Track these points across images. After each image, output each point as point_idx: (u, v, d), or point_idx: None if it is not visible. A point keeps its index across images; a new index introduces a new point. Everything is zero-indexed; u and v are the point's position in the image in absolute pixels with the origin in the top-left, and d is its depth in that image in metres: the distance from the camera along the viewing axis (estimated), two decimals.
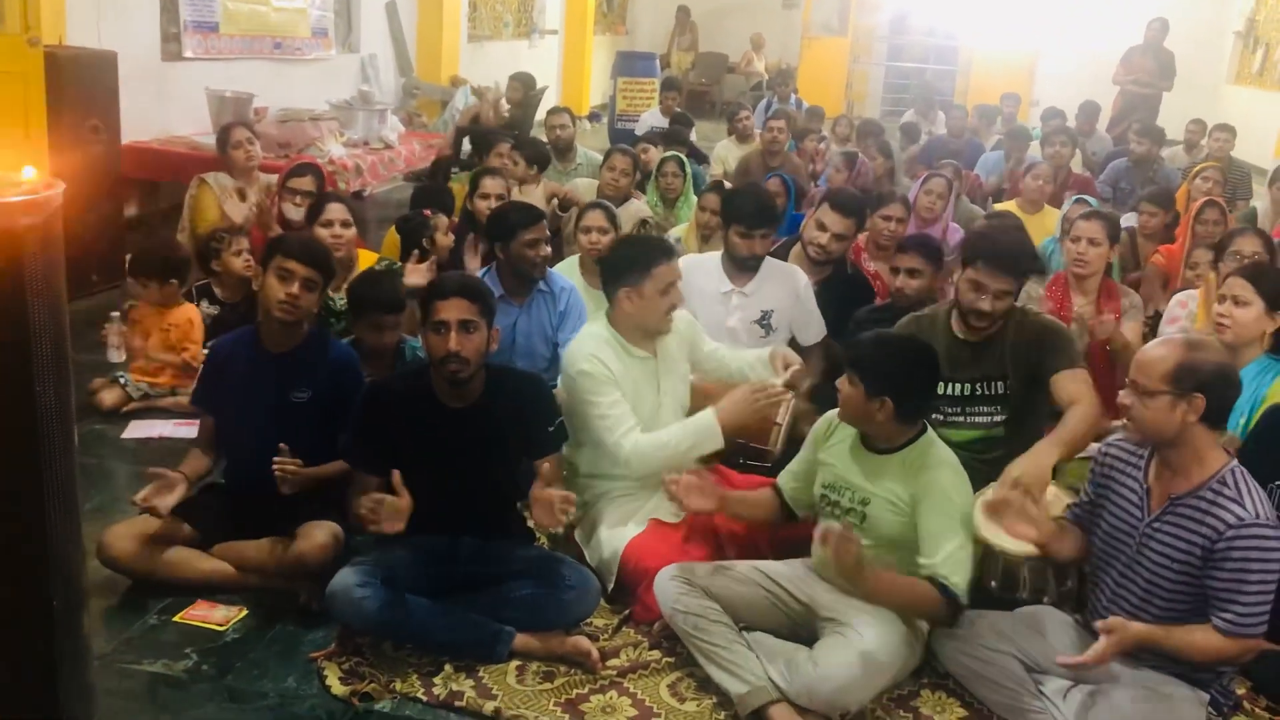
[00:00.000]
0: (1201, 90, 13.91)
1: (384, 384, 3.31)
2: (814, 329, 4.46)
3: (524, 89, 9.73)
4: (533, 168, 6.53)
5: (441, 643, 2.98)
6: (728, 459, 3.86)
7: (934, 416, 3.67)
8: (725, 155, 9.14)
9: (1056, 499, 3.25)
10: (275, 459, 3.12)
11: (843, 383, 2.99)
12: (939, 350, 3.60)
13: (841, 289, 4.68)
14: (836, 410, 3.08)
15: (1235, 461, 2.71)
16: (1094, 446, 3.25)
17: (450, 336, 2.98)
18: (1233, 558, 2.59)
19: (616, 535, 3.37)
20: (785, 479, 3.30)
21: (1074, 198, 5.93)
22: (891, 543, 2.98)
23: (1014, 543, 3.06)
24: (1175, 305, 4.60)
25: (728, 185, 5.88)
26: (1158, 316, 4.84)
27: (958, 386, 3.64)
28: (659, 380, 3.53)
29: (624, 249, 3.67)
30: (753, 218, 4.25)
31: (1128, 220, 6.87)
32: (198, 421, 3.67)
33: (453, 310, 3.00)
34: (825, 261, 4.72)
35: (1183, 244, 5.72)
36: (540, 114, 9.68)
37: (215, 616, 3.13)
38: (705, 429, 3.34)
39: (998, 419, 3.64)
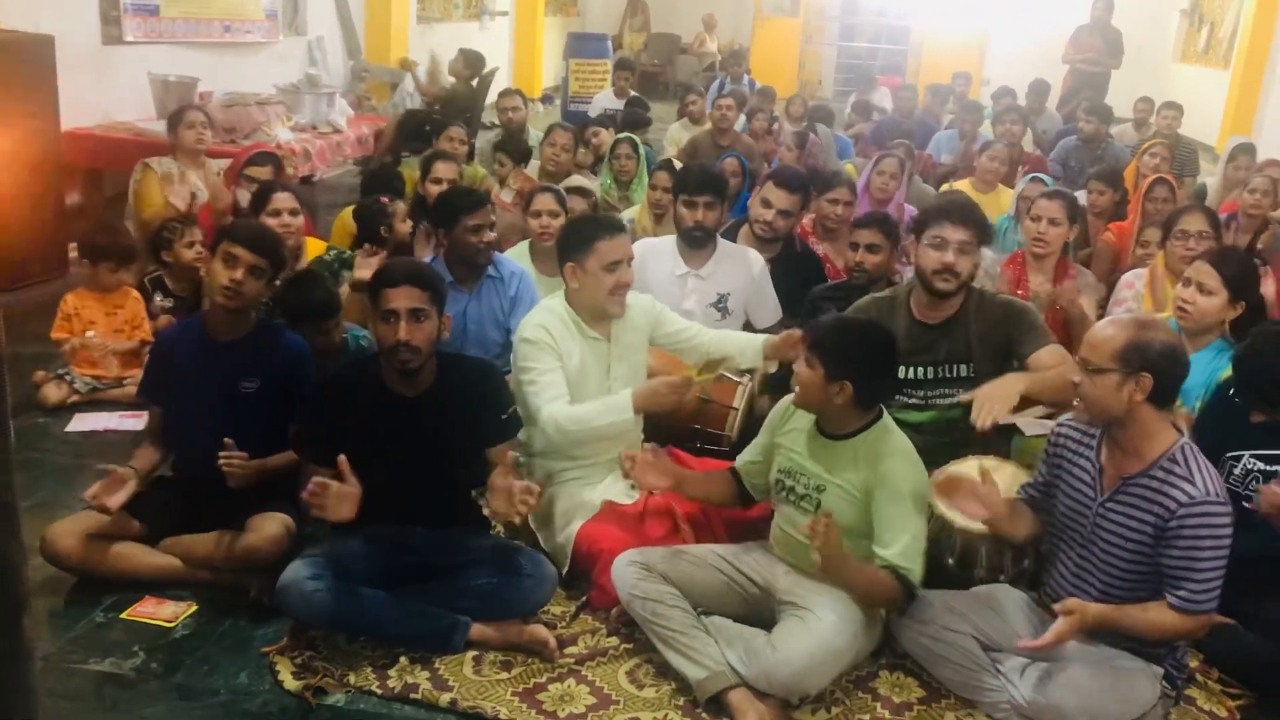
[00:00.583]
0: (1149, 68, 14.07)
1: (335, 374, 3.26)
2: (769, 311, 4.46)
3: (471, 67, 9.59)
4: (520, 165, 6.47)
5: (397, 635, 2.94)
6: (684, 443, 3.85)
7: (895, 397, 3.69)
8: (678, 137, 9.12)
9: (1014, 478, 3.26)
10: (221, 454, 3.06)
11: (801, 366, 2.97)
12: (899, 333, 3.60)
13: (791, 267, 4.67)
14: (793, 395, 3.07)
15: (1185, 439, 2.73)
16: (1048, 424, 3.27)
17: (400, 325, 2.93)
18: (1184, 536, 2.60)
19: (569, 519, 3.35)
20: (743, 462, 3.29)
21: (1029, 176, 5.96)
22: (846, 529, 2.96)
23: (972, 521, 3.07)
24: (1122, 286, 4.63)
25: (678, 165, 5.84)
26: (1109, 298, 4.87)
27: (920, 370, 3.64)
28: (610, 363, 3.50)
29: (571, 225, 3.64)
30: (695, 185, 4.27)
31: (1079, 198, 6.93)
32: (144, 414, 3.59)
33: (402, 298, 2.95)
34: (773, 239, 4.70)
35: (1133, 221, 5.76)
36: (492, 96, 9.58)
37: (164, 613, 3.07)
38: (620, 408, 3.30)
39: (959, 405, 3.65)
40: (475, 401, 3.11)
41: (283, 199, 4.48)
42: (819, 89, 17.66)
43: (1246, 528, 3.01)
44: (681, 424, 3.90)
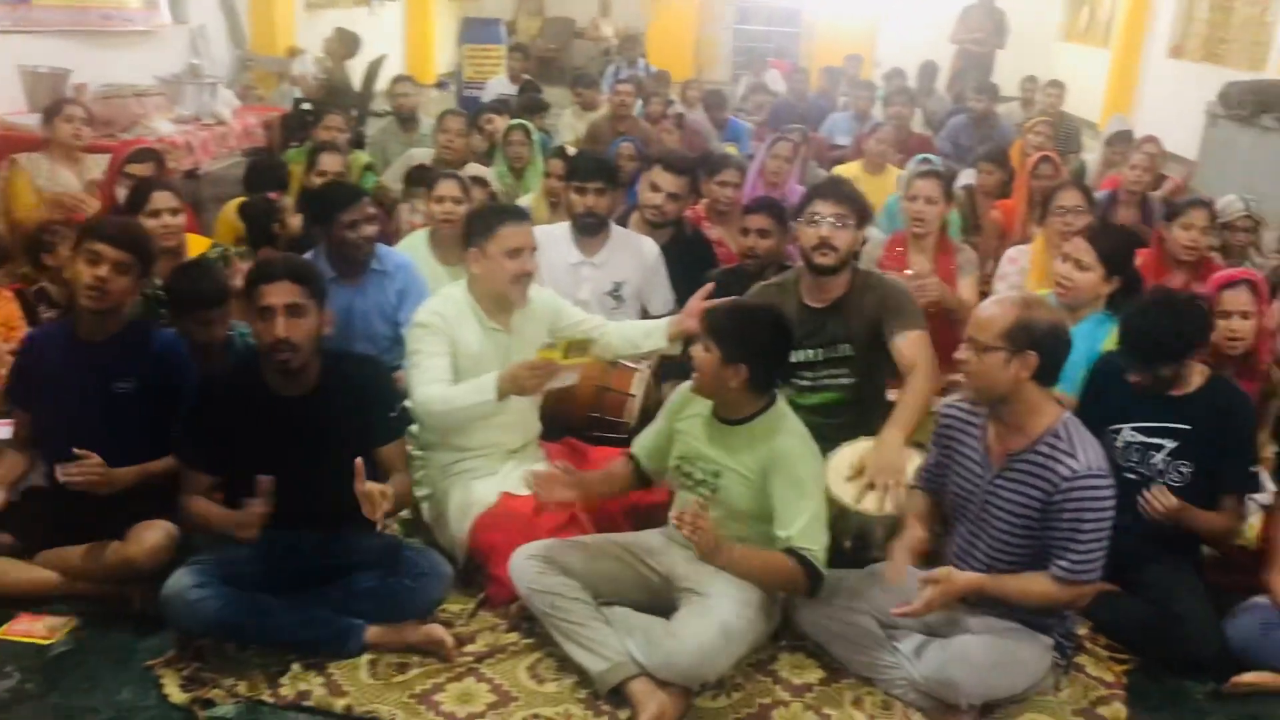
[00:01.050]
0: (1034, 47, 14.35)
1: (214, 376, 3.15)
2: (662, 299, 4.44)
3: (347, 47, 9.32)
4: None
5: (290, 642, 2.87)
6: (581, 431, 3.82)
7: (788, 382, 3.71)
8: (571, 124, 9.05)
9: (910, 461, 3.30)
10: (59, 466, 2.93)
11: (698, 349, 2.96)
12: (790, 318, 3.64)
13: (682, 252, 4.65)
14: (692, 381, 3.06)
15: (1067, 413, 2.78)
16: (939, 402, 3.32)
17: (277, 322, 2.85)
18: (1068, 509, 2.66)
19: (464, 512, 3.29)
20: (640, 446, 3.27)
21: (918, 158, 6.04)
22: (744, 514, 2.97)
23: (869, 503, 3.11)
24: (1006, 262, 4.71)
25: (569, 149, 5.78)
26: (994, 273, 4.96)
27: (807, 352, 3.66)
28: (509, 356, 3.44)
29: (476, 211, 3.59)
30: (585, 172, 4.24)
31: (967, 177, 7.05)
32: (11, 421, 3.42)
33: (278, 294, 2.86)
34: (663, 224, 4.68)
35: (1019, 199, 5.89)
36: (385, 84, 9.38)
37: (39, 629, 2.95)
38: (484, 389, 3.21)
39: (845, 381, 3.68)
40: (361, 399, 3.04)
41: (163, 198, 4.30)
42: (715, 72, 17.70)
43: (1128, 500, 3.11)
44: (579, 412, 3.87)
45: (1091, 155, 7.87)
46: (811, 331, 3.65)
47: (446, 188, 4.66)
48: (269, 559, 2.95)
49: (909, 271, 4.43)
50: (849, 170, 6.62)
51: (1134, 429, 3.26)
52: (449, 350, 3.33)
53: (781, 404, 3.05)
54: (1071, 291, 3.72)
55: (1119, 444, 3.27)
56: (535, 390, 3.20)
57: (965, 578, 2.76)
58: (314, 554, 3.02)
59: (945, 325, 4.32)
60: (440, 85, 14.83)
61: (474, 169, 6.12)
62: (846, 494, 3.18)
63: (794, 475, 2.90)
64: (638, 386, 3.94)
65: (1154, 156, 6.32)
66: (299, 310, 2.88)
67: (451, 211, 4.54)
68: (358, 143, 7.79)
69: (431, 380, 3.26)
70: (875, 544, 3.23)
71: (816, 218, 3.51)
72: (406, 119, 7.26)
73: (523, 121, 6.69)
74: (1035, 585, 2.74)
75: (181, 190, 4.60)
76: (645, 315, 4.43)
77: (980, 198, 6.40)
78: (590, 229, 4.29)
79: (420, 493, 3.47)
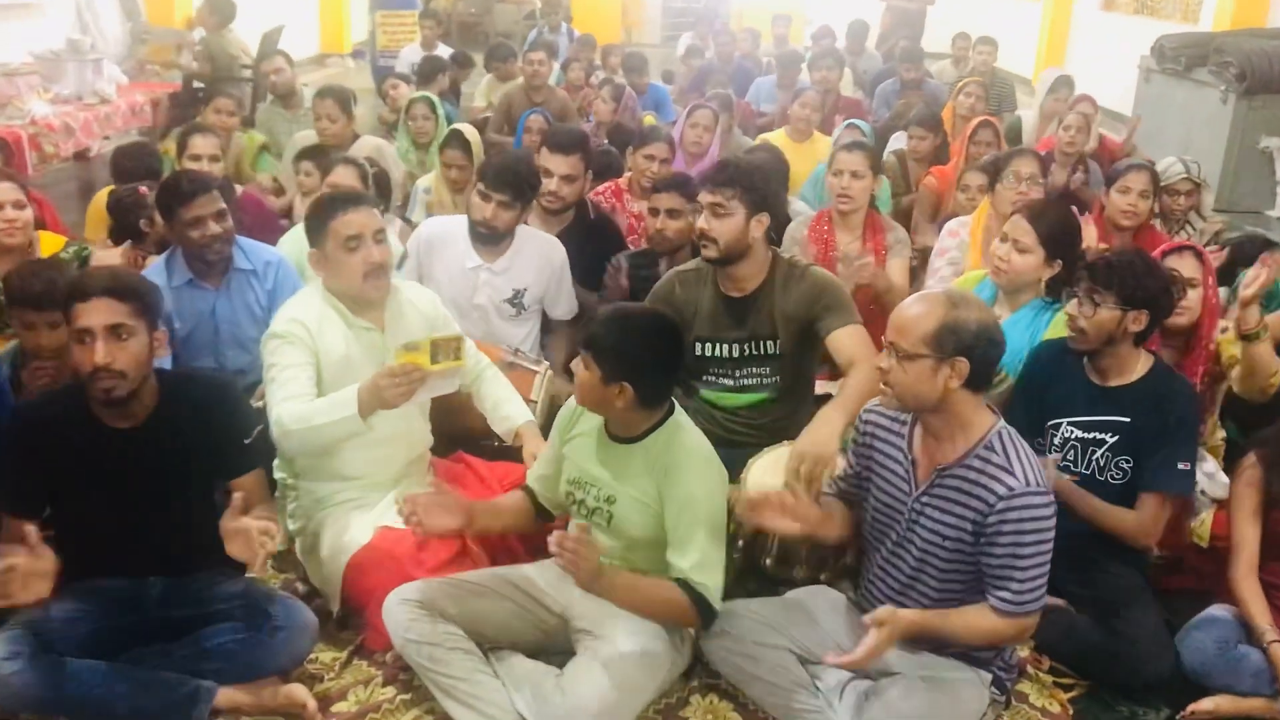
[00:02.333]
0: (964, 2, 14.09)
1: (32, 405, 2.74)
2: (565, 304, 4.08)
3: (219, 15, 8.71)
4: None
5: (124, 713, 2.47)
6: (480, 442, 3.46)
7: (704, 378, 3.40)
8: (487, 90, 8.63)
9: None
10: None
11: (578, 365, 2.61)
12: (704, 309, 3.35)
13: (584, 238, 4.28)
14: (575, 394, 2.71)
15: (1001, 423, 2.46)
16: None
17: (96, 347, 2.44)
18: (1005, 532, 2.35)
19: (339, 548, 2.92)
20: (534, 477, 2.92)
21: (845, 123, 5.69)
22: (644, 543, 2.64)
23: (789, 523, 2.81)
24: (946, 235, 4.39)
25: (466, 131, 5.33)
26: (928, 253, 4.62)
27: (726, 347, 3.35)
28: (385, 357, 3.06)
29: (308, 210, 3.14)
30: (493, 178, 3.77)
31: (898, 142, 6.74)
32: None
33: (97, 314, 2.45)
34: (561, 210, 4.30)
35: (955, 165, 5.58)
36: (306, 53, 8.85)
37: None
38: (344, 404, 2.76)
39: (768, 380, 3.36)
40: (210, 427, 2.65)
41: (3, 190, 3.85)
42: (644, 35, 17.25)
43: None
44: (473, 422, 3.50)
45: (1027, 112, 7.59)
46: (729, 324, 3.33)
47: (341, 174, 4.26)
48: (100, 616, 2.56)
49: (836, 253, 4.11)
50: (775, 139, 6.27)
51: (1073, 424, 2.98)
52: (311, 360, 2.94)
53: (679, 417, 2.70)
54: (1008, 274, 3.42)
55: (1057, 440, 2.99)
56: (402, 402, 2.75)
57: (909, 618, 2.43)
58: (163, 605, 2.64)
59: (874, 311, 4.02)
60: (356, 55, 14.25)
61: (368, 145, 5.67)
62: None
63: (689, 499, 2.56)
64: (539, 390, 3.58)
65: (1088, 117, 6.05)
66: (122, 331, 2.47)
67: None
68: (252, 122, 7.32)
69: (290, 396, 2.86)
70: (799, 562, 2.92)
71: (695, 206, 3.25)
72: (285, 96, 6.73)
73: (426, 94, 6.25)
74: (980, 620, 2.43)
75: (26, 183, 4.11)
76: (545, 322, 4.10)
77: (912, 164, 6.09)
78: (484, 239, 3.87)
79: (293, 526, 3.10)
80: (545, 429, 3.31)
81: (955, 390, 2.39)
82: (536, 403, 3.54)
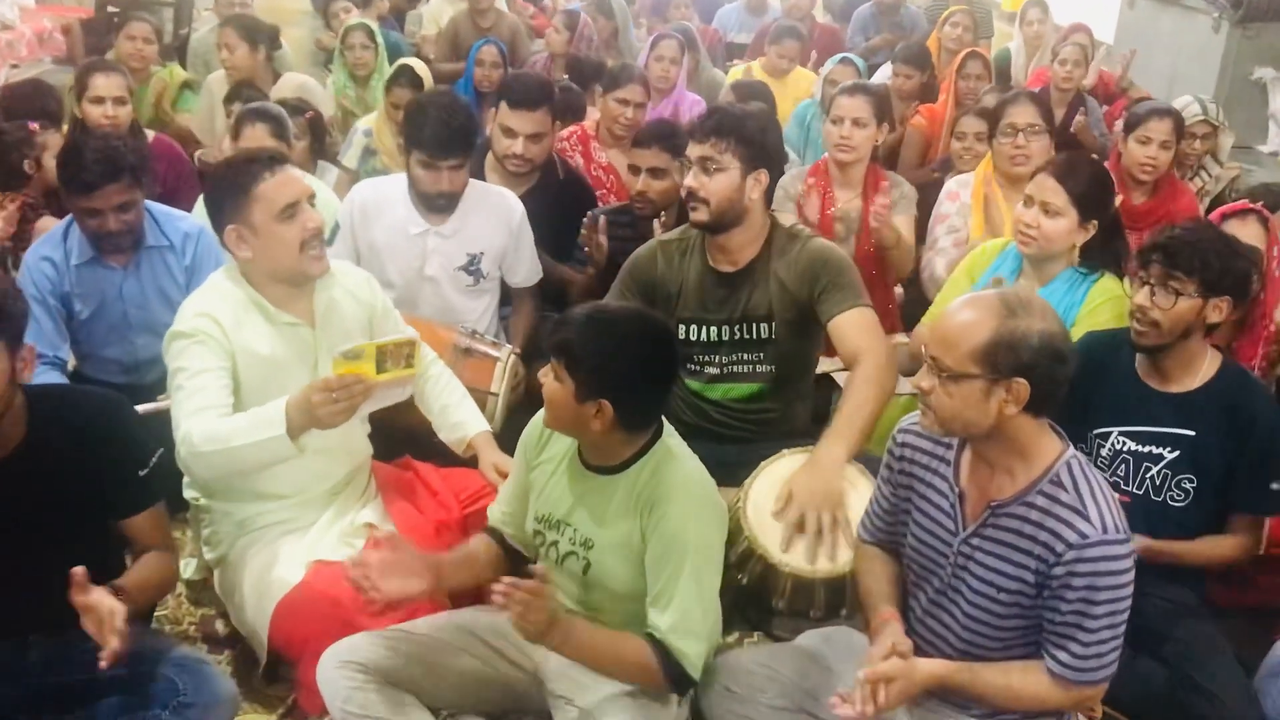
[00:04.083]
0: None
1: None
2: (526, 269, 3.53)
3: None
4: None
5: None
6: (424, 442, 2.98)
7: (687, 365, 2.95)
8: (437, 13, 7.95)
9: (854, 485, 2.57)
10: None
11: (546, 376, 2.14)
12: (690, 285, 2.90)
13: (553, 200, 3.75)
14: (543, 412, 2.24)
15: (1070, 451, 2.03)
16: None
17: None
18: (1074, 586, 1.93)
19: (266, 587, 2.44)
20: (498, 514, 2.44)
21: (838, 57, 5.14)
22: (627, 597, 2.19)
23: (803, 561, 2.41)
24: (945, 198, 3.89)
25: (416, 66, 4.76)
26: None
27: (713, 330, 2.91)
28: (317, 356, 2.57)
29: (214, 177, 2.60)
30: (434, 142, 3.21)
31: (879, 77, 6.25)
32: None
33: None
34: (529, 171, 3.77)
35: (945, 103, 5.12)
36: None
37: None
38: (269, 422, 2.28)
39: (761, 369, 2.93)
40: (93, 457, 2.14)
41: None
42: None
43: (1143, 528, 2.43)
44: (419, 417, 3.02)
45: (1014, 42, 7.12)
46: (717, 302, 2.90)
47: (255, 134, 3.71)
48: None
49: (833, 210, 3.65)
50: (751, 73, 5.74)
51: (1125, 434, 2.55)
52: (226, 364, 2.43)
53: (669, 440, 2.24)
54: (1038, 242, 2.97)
55: (1105, 452, 2.57)
56: (341, 421, 2.25)
57: (928, 669, 2.03)
58: (40, 672, 2.16)
59: (875, 277, 3.59)
60: None
61: (291, 83, 5.06)
62: (771, 540, 2.46)
63: (673, 537, 2.12)
64: (500, 380, 3.09)
65: (1084, 49, 5.57)
66: None
67: None
68: (179, 54, 6.64)
69: (199, 409, 2.35)
70: (815, 604, 2.51)
71: (683, 161, 2.83)
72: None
73: (364, 21, 5.61)
74: (1024, 682, 2.02)
75: None
76: (504, 291, 3.57)
77: (897, 101, 5.60)
78: (442, 208, 3.32)
79: (210, 555, 2.62)
80: (508, 427, 2.87)
81: (1012, 416, 1.96)
82: (498, 395, 3.06)
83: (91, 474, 2.14)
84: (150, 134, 4.28)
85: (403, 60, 4.88)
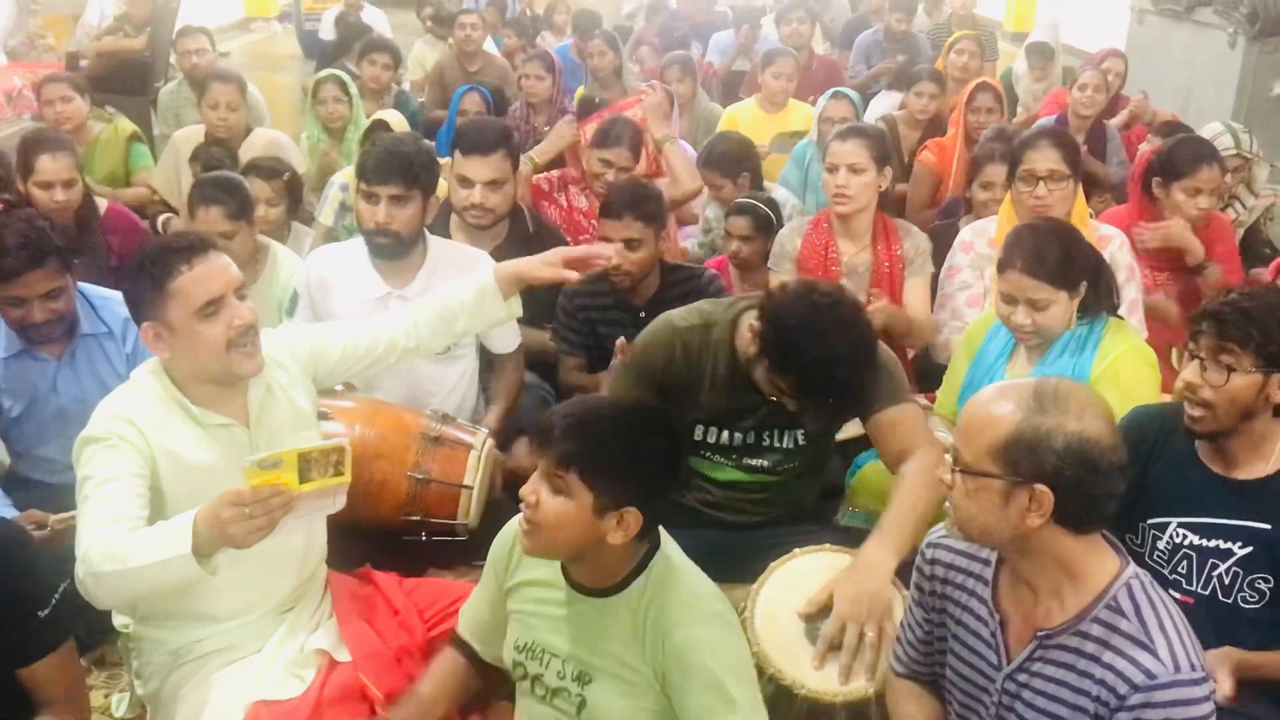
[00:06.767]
0: None
1: None
2: (507, 332, 3.20)
3: None
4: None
5: None
6: (390, 541, 2.67)
7: (697, 453, 2.65)
8: (421, 57, 7.77)
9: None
10: None
11: (544, 492, 1.83)
12: (718, 381, 2.54)
13: (523, 254, 3.45)
14: (522, 521, 1.91)
15: (1131, 569, 1.71)
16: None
17: None
18: None
19: None
20: (468, 623, 2.15)
21: (831, 92, 4.83)
22: None
23: (821, 680, 2.10)
24: (958, 248, 3.50)
25: (391, 119, 4.49)
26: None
27: (736, 435, 2.61)
28: None
29: (129, 263, 2.28)
30: (377, 168, 2.96)
31: (881, 104, 5.96)
32: None
33: None
34: (492, 224, 3.47)
35: (954, 137, 4.81)
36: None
37: None
38: (174, 538, 1.88)
39: (782, 468, 2.65)
40: None
41: None
42: None
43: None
44: (388, 517, 2.71)
45: (1020, 65, 6.85)
46: (745, 407, 2.57)
47: (208, 218, 3.39)
48: None
49: (838, 268, 3.33)
50: (744, 111, 5.43)
51: (1186, 527, 2.21)
52: (143, 471, 2.10)
53: (666, 548, 1.95)
54: (1037, 335, 2.67)
55: (1162, 545, 2.24)
56: (255, 540, 1.87)
57: None
58: None
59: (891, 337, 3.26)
60: (284, 18, 13.22)
61: (260, 140, 4.79)
62: (784, 657, 2.14)
63: (705, 673, 1.83)
64: (475, 472, 2.75)
65: (1107, 75, 5.29)
66: None
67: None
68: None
69: (103, 521, 1.99)
70: None
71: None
72: (201, 81, 5.76)
73: (335, 72, 5.34)
74: None
75: None
76: (484, 356, 3.26)
77: (904, 130, 5.29)
78: (385, 251, 3.05)
79: (142, 689, 2.30)
80: (483, 530, 2.55)
81: (1040, 528, 1.64)
82: (472, 489, 2.74)
83: None
84: (103, 204, 3.99)
85: (378, 115, 4.61)
